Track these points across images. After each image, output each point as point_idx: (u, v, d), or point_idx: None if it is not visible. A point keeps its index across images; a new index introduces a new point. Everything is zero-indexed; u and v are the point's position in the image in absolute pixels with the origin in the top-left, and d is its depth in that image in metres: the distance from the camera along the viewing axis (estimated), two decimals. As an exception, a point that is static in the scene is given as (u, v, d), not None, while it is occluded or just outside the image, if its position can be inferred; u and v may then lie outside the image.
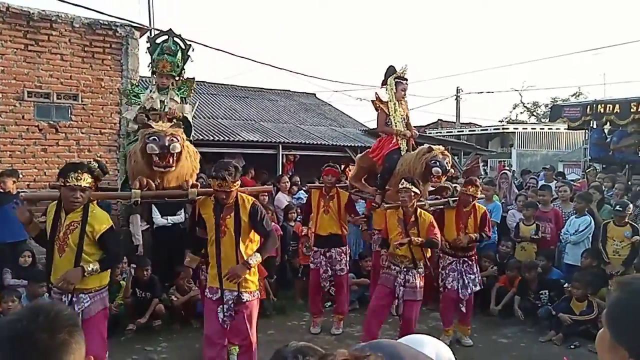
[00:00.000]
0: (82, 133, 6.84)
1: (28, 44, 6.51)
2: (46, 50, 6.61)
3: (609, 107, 9.15)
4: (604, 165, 9.34)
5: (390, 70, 5.47)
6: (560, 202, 6.81)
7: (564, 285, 5.81)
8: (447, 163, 5.02)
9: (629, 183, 7.84)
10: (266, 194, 6.03)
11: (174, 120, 4.41)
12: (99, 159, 6.62)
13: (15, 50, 6.43)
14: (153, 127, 3.87)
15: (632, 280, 1.06)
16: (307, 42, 52.73)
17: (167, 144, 3.77)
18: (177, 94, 4.61)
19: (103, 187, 5.87)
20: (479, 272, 5.40)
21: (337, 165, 6.04)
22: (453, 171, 5.37)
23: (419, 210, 4.71)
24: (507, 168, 12.53)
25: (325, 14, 52.31)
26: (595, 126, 9.71)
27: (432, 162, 4.95)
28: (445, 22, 50.85)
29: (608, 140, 9.38)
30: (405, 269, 4.65)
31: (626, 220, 5.73)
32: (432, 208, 5.24)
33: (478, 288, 5.26)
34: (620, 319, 1.03)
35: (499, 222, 6.70)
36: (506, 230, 6.81)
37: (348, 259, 5.71)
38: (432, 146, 5.13)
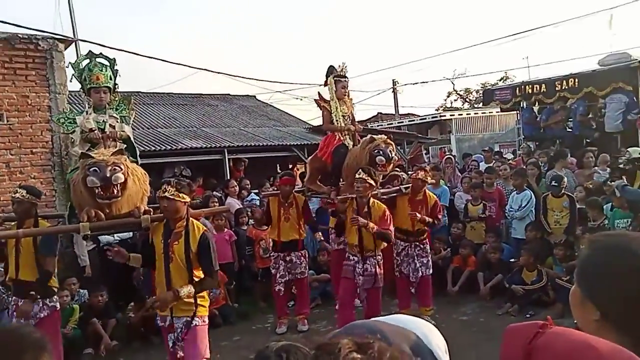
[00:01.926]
0: (12, 155, 6.40)
1: (-60, 63, 6.01)
2: (-38, 69, 6.14)
3: (536, 87, 9.71)
4: (537, 143, 9.87)
5: (330, 70, 5.59)
6: (502, 181, 7.13)
7: (511, 260, 6.12)
8: (390, 151, 5.07)
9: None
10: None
11: (116, 143, 4.24)
12: (30, 182, 6.27)
13: None
14: (93, 157, 3.64)
15: (601, 238, 1.11)
16: (242, 44, 52.19)
17: (108, 175, 3.57)
18: (115, 113, 4.43)
19: (48, 214, 5.56)
20: (432, 255, 5.57)
21: (291, 173, 6.07)
22: (397, 158, 5.42)
23: (372, 200, 4.81)
24: (449, 154, 13.00)
25: (259, 14, 52.02)
26: (525, 106, 10.24)
27: (375, 151, 5.00)
28: (377, 16, 51.98)
29: (538, 118, 9.93)
30: (362, 258, 4.74)
31: (563, 191, 6.08)
32: (384, 197, 5.36)
33: (430, 272, 5.41)
34: (589, 275, 1.07)
35: (447, 205, 6.93)
36: (455, 212, 7.06)
37: (307, 259, 5.75)
38: (374, 136, 5.20)
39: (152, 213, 3.92)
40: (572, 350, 0.90)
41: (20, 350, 1.15)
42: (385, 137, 5.25)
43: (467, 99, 30.54)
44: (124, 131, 4.39)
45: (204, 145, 8.94)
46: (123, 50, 8.76)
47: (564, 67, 27.37)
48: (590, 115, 9.07)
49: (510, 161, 8.93)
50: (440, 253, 6.43)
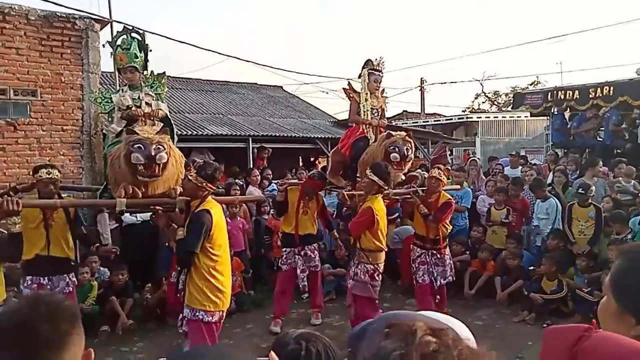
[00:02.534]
0: (43, 130, 6.55)
1: (-20, 37, 6.17)
2: (0, 45, 6.28)
3: (569, 94, 9.49)
4: (565, 150, 9.66)
5: (366, 62, 5.51)
6: (526, 187, 7.00)
7: (530, 268, 6.01)
8: (407, 149, 4.90)
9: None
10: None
11: (155, 122, 4.28)
12: (59, 158, 6.42)
13: (-34, 44, 6.08)
14: (138, 134, 3.67)
15: (636, 248, 1.08)
16: (273, 34, 52.26)
17: (153, 154, 3.61)
18: (151, 90, 4.46)
19: (70, 185, 5.69)
20: (451, 261, 5.36)
21: (324, 176, 5.73)
22: (412, 157, 5.17)
23: (366, 202, 4.57)
24: (473, 156, 12.82)
25: (290, 6, 51.97)
26: (556, 112, 10.02)
27: (391, 147, 4.85)
28: (408, 13, 51.38)
29: (569, 125, 9.70)
30: (355, 262, 4.65)
31: (589, 201, 5.94)
32: (397, 197, 5.22)
33: (447, 281, 5.23)
34: (626, 286, 1.04)
35: (469, 207, 6.85)
36: (477, 216, 6.97)
37: (319, 252, 5.68)
38: (392, 132, 5.06)
39: None
40: (620, 355, 0.87)
41: (56, 319, 1.16)
42: (405, 134, 5.11)
43: (495, 102, 30.02)
44: (160, 109, 4.43)
45: (229, 133, 9.00)
46: (154, 34, 8.84)
47: (599, 74, 26.57)
48: (623, 126, 8.82)
49: (536, 166, 8.76)
50: (459, 255, 6.36)
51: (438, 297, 5.19)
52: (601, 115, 9.06)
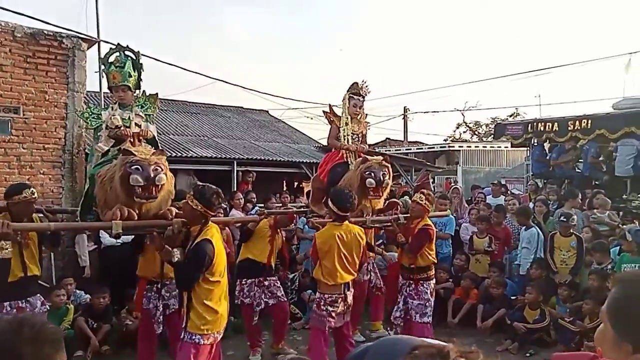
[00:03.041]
0: (24, 148, 6.42)
1: (-36, 53, 6.08)
2: (-16, 61, 6.20)
3: (549, 125, 9.74)
4: (545, 180, 9.85)
5: (351, 86, 5.40)
6: (510, 216, 7.09)
7: (512, 297, 6.03)
8: (383, 174, 4.68)
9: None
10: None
11: (142, 142, 4.20)
12: (39, 177, 6.28)
13: (-51, 59, 5.99)
14: (135, 155, 3.57)
15: (633, 277, 1.08)
16: (259, 59, 52.78)
17: (152, 175, 3.51)
18: (141, 111, 4.38)
19: (56, 209, 5.50)
20: (430, 297, 4.87)
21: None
22: (390, 182, 4.93)
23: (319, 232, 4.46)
24: (455, 184, 12.97)
25: (274, 32, 52.72)
26: (536, 143, 10.25)
27: (367, 173, 4.65)
28: (393, 43, 52.56)
29: (548, 156, 9.93)
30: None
31: (571, 230, 6.03)
32: (375, 225, 4.95)
33: (421, 319, 4.75)
34: (623, 314, 1.04)
35: (452, 234, 6.89)
36: (460, 243, 7.01)
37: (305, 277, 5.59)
38: (367, 157, 4.87)
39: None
40: None
41: (40, 342, 1.13)
42: (382, 158, 4.91)
43: (476, 132, 30.63)
44: (150, 131, 4.35)
45: (214, 155, 8.97)
46: (142, 55, 8.85)
47: (576, 107, 27.45)
48: (601, 158, 9.06)
49: (520, 195, 8.90)
50: (443, 283, 6.36)
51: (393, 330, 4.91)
52: (579, 147, 9.31)
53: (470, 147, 19.92)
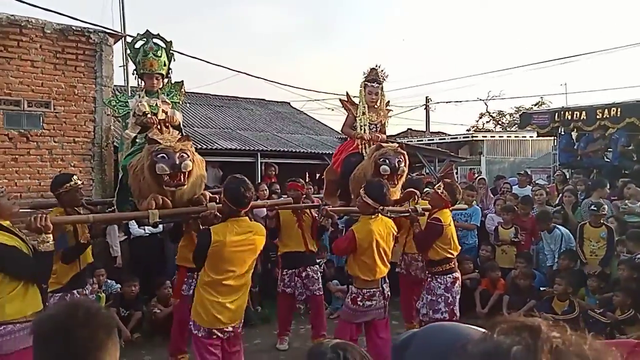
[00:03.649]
0: (55, 142, 6.60)
1: (-4, 50, 6.25)
2: (16, 57, 6.36)
3: (576, 114, 9.52)
4: (572, 170, 9.66)
5: (365, 73, 5.18)
6: (536, 206, 6.98)
7: (541, 288, 5.95)
8: (398, 161, 4.49)
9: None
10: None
11: (169, 129, 4.24)
12: (69, 170, 6.43)
13: (-17, 56, 6.17)
14: (160, 143, 3.58)
15: None
16: (280, 51, 52.81)
17: (178, 162, 3.52)
18: (167, 98, 4.40)
19: (96, 200, 5.60)
20: (446, 293, 4.56)
21: (300, 179, 5.55)
22: (405, 169, 4.67)
23: (355, 224, 4.30)
24: (478, 174, 12.81)
25: (295, 23, 52.67)
26: (563, 132, 10.04)
27: (381, 160, 4.47)
28: (415, 32, 51.97)
29: (576, 146, 9.72)
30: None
31: (601, 221, 5.92)
32: (391, 216, 4.63)
33: (433, 316, 4.49)
34: None
35: (478, 225, 6.82)
36: (486, 234, 6.94)
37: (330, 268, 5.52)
38: (382, 144, 4.69)
39: (217, 201, 3.84)
40: None
41: (94, 325, 1.16)
42: (397, 145, 4.74)
43: (500, 122, 30.15)
44: (176, 117, 4.37)
45: (238, 147, 9.05)
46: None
47: (604, 95, 26.76)
48: (631, 147, 8.83)
49: (546, 185, 8.74)
50: (469, 274, 6.31)
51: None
52: (608, 136, 9.08)
53: (494, 137, 19.62)
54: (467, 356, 0.67)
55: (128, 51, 4.58)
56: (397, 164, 4.47)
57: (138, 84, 4.54)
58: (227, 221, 3.45)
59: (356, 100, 5.23)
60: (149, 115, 4.20)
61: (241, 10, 53.00)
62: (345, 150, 5.16)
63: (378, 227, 4.14)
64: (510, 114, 28.91)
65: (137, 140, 4.28)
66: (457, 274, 4.68)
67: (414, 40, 52.07)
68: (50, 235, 3.07)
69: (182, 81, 4.68)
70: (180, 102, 4.61)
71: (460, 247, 4.89)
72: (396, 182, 4.60)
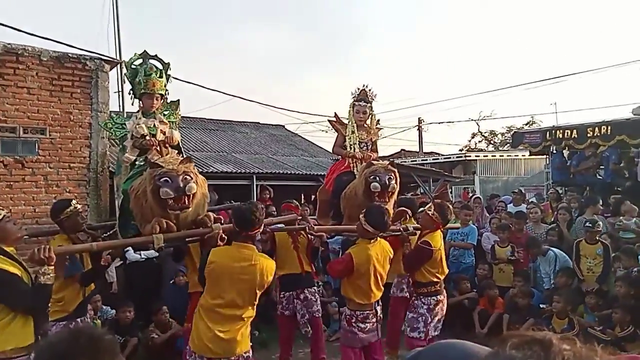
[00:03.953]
0: (50, 168, 6.59)
1: (-7, 77, 6.29)
2: (12, 84, 6.40)
3: (567, 133, 9.66)
4: (565, 188, 9.74)
5: (353, 93, 5.22)
6: (532, 224, 7.02)
7: (540, 306, 5.94)
8: (388, 178, 4.44)
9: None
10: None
11: (168, 150, 4.22)
12: (65, 195, 6.40)
13: (-21, 84, 6.20)
14: (162, 166, 3.53)
15: None
16: (274, 75, 53.36)
17: (182, 185, 3.47)
18: (164, 118, 4.39)
19: (96, 225, 5.56)
20: (427, 313, 4.45)
21: (294, 200, 5.53)
22: (396, 187, 4.61)
23: (352, 247, 4.23)
24: (473, 194, 12.89)
25: (289, 48, 53.33)
26: (555, 151, 10.16)
27: (371, 177, 4.41)
28: (407, 54, 52.77)
29: (568, 164, 9.83)
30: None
31: (597, 237, 5.95)
32: (384, 235, 4.45)
33: (410, 334, 4.44)
34: None
35: (475, 244, 6.84)
36: (482, 253, 6.95)
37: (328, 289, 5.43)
38: (373, 161, 4.70)
39: (222, 222, 3.80)
40: None
41: (97, 352, 1.15)
42: (388, 162, 4.72)
43: (492, 141, 30.44)
44: (174, 137, 4.36)
45: (234, 170, 9.08)
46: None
47: (594, 114, 27.09)
48: (622, 164, 8.95)
49: (540, 204, 8.79)
50: (467, 293, 6.30)
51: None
52: (599, 153, 9.20)
53: (487, 156, 19.79)
54: None
55: (125, 71, 4.46)
56: (387, 181, 4.43)
57: (138, 107, 4.49)
58: (232, 244, 3.40)
59: (345, 121, 5.25)
60: (147, 137, 4.17)
61: (236, 35, 53.74)
62: (337, 169, 5.16)
63: (376, 251, 4.09)
64: (502, 134, 29.24)
65: (136, 163, 4.25)
66: (442, 297, 4.55)
67: (406, 62, 52.86)
68: (52, 268, 2.98)
69: (178, 100, 4.68)
70: (177, 122, 4.58)
71: (447, 271, 4.78)
72: (387, 200, 4.54)
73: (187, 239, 3.89)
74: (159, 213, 3.60)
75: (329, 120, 5.49)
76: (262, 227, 3.52)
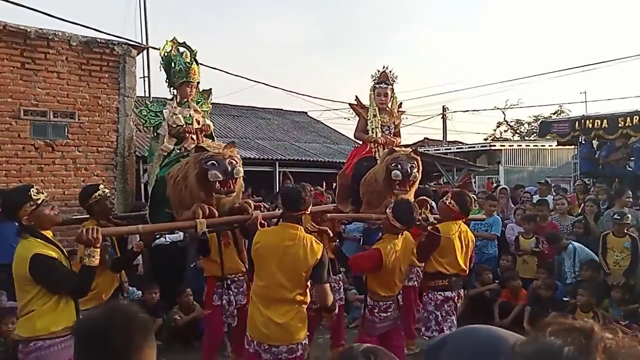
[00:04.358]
0: (79, 151, 6.75)
1: (24, 62, 6.44)
2: (43, 69, 6.56)
3: (597, 123, 9.38)
4: (593, 180, 9.51)
5: (373, 76, 5.09)
6: (558, 215, 6.89)
7: (564, 299, 5.85)
8: (411, 166, 4.25)
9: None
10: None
11: (203, 139, 4.19)
12: (93, 179, 6.55)
13: (11, 68, 6.36)
14: (208, 150, 3.53)
15: None
16: (296, 60, 53.29)
17: (229, 169, 3.47)
18: (198, 107, 4.39)
19: (122, 215, 5.67)
20: (434, 310, 4.24)
21: (319, 187, 5.47)
22: (418, 176, 4.42)
23: (379, 242, 4.11)
24: (497, 184, 12.68)
25: (312, 36, 53.14)
26: (583, 141, 9.91)
27: (393, 164, 4.22)
28: (431, 41, 51.99)
29: (597, 154, 9.58)
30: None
31: (625, 230, 5.82)
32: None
33: (425, 333, 4.30)
34: None
35: (499, 235, 6.75)
36: (506, 244, 6.86)
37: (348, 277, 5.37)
38: (395, 148, 4.54)
39: (261, 209, 3.83)
40: None
41: (130, 329, 1.18)
42: (410, 150, 4.57)
43: (518, 131, 29.86)
44: (209, 125, 4.37)
45: (257, 157, 9.14)
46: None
47: (624, 103, 26.30)
48: (653, 156, 8.68)
49: (568, 195, 8.62)
50: (489, 284, 6.24)
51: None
52: (630, 144, 8.94)
53: (512, 146, 19.43)
54: (517, 356, 0.68)
55: (161, 60, 4.38)
56: (409, 170, 4.24)
57: (172, 95, 4.43)
58: (278, 224, 3.35)
59: (367, 105, 5.12)
60: (184, 127, 4.19)
61: (259, 22, 53.72)
62: (358, 154, 5.04)
63: (402, 245, 4.00)
64: (529, 123, 28.64)
65: (171, 152, 4.25)
66: (451, 294, 4.23)
67: (430, 49, 52.03)
68: (98, 250, 2.99)
69: (210, 89, 4.67)
70: (209, 110, 4.60)
71: (465, 267, 4.37)
72: (408, 189, 4.35)
73: (228, 225, 3.88)
74: (201, 197, 3.57)
75: (350, 104, 5.41)
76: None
